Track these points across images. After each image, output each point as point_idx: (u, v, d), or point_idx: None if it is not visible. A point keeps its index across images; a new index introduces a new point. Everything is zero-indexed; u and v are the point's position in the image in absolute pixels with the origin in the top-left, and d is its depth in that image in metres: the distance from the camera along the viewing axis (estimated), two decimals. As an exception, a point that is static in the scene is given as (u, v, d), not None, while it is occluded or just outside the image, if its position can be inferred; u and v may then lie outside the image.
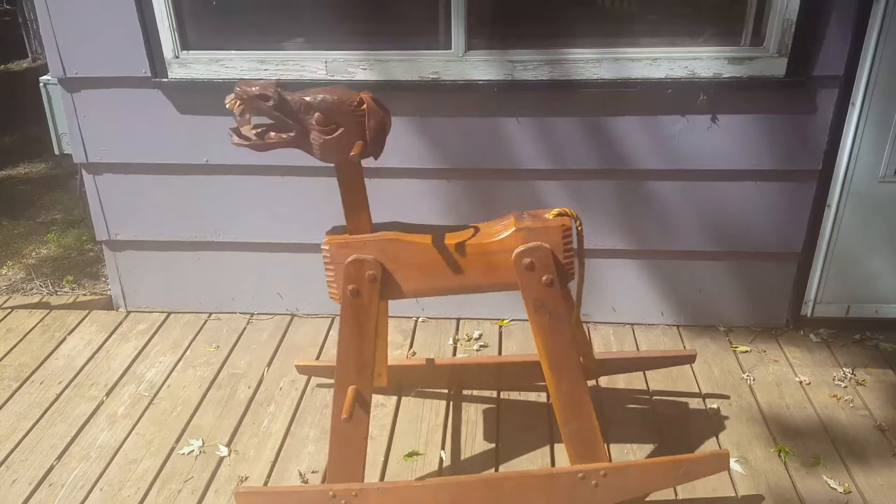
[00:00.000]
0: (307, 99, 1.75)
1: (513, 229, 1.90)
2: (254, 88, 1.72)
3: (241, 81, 1.76)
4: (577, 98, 2.66)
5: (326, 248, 1.93)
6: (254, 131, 1.79)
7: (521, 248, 1.89)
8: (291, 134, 1.79)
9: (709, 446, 2.39)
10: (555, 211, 1.93)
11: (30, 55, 7.85)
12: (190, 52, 2.72)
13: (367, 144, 1.79)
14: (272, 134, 1.79)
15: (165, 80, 2.73)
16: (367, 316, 1.95)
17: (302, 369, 2.76)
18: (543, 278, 1.91)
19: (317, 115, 1.75)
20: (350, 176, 1.87)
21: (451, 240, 1.93)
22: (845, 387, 2.66)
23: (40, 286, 3.50)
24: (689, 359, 2.64)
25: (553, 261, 1.90)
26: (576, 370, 2.00)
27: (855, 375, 2.72)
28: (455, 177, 2.84)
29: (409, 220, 2.01)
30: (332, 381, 2.72)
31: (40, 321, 3.16)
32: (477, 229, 1.97)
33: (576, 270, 1.97)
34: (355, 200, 1.90)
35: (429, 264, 1.93)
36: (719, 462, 2.13)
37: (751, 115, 2.63)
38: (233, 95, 1.73)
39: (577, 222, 1.94)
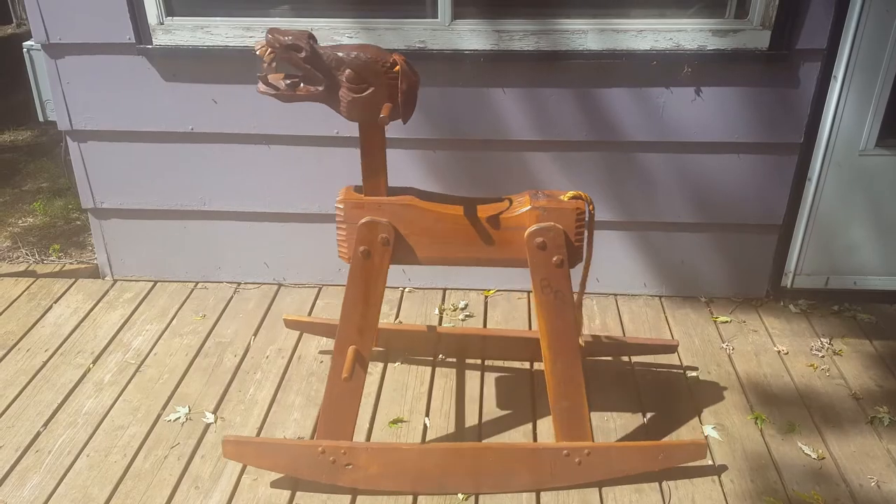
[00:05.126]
0: (339, 54, 1.71)
1: (528, 207, 1.91)
2: (287, 38, 1.67)
3: (273, 29, 1.70)
4: (563, 69, 2.66)
5: (341, 206, 1.91)
6: (285, 81, 1.74)
7: (534, 227, 1.90)
8: (320, 88, 1.75)
9: (687, 414, 2.44)
10: (570, 193, 1.93)
11: (14, 20, 7.72)
12: (174, 18, 2.69)
13: (398, 107, 1.75)
14: (302, 86, 1.75)
15: (150, 46, 2.71)
16: (375, 279, 1.96)
17: (290, 324, 2.79)
18: (554, 258, 1.92)
19: (348, 71, 1.71)
20: (373, 137, 1.85)
21: (466, 211, 1.93)
22: (822, 356, 2.71)
23: (26, 255, 3.49)
24: (672, 348, 2.68)
25: (565, 242, 1.91)
26: (573, 351, 2.02)
27: (832, 345, 2.77)
28: (441, 147, 2.84)
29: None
30: (318, 337, 2.78)
31: (26, 289, 3.15)
32: (492, 204, 1.97)
33: (583, 254, 1.99)
34: (375, 162, 1.88)
35: (442, 233, 1.93)
36: (697, 450, 2.18)
37: (734, 87, 2.64)
38: (263, 42, 1.68)
39: (591, 206, 1.95)
